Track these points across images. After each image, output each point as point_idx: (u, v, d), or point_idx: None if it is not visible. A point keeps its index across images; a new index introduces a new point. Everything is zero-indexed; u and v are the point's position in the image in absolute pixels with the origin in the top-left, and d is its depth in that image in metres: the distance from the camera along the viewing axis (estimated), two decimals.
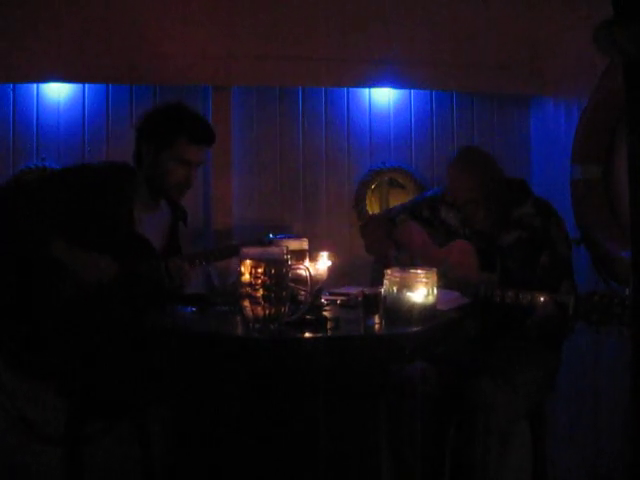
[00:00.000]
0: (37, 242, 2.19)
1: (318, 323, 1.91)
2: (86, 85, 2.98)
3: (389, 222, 2.71)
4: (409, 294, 1.96)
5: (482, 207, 2.48)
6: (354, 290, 2.26)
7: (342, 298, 2.25)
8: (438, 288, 2.03)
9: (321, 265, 2.33)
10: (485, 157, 2.55)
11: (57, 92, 2.97)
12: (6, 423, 2.57)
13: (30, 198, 2.24)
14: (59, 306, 2.22)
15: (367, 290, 1.99)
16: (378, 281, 2.08)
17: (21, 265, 2.20)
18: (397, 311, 1.96)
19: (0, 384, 2.26)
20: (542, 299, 2.17)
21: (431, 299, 1.98)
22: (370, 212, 3.17)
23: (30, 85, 2.93)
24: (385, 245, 2.66)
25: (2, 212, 2.23)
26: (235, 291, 1.87)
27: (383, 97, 3.21)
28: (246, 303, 1.81)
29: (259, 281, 1.80)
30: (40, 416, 2.45)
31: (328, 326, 1.89)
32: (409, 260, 2.58)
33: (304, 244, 2.35)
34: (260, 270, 1.80)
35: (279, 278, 1.81)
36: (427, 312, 1.97)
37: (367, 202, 3.18)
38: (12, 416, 2.38)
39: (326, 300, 2.22)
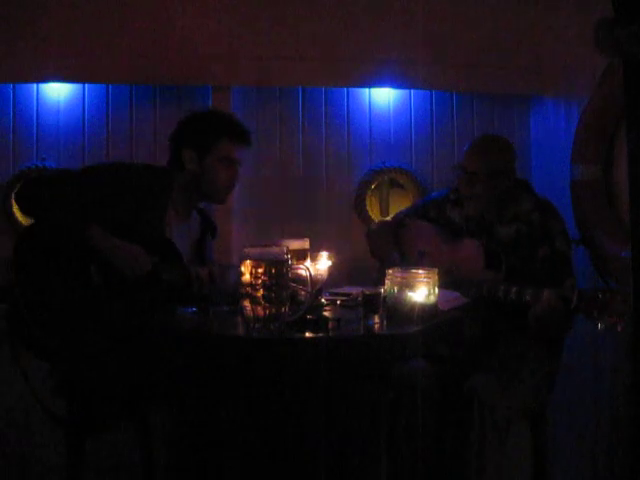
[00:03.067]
0: (71, 228, 2.20)
1: (319, 323, 1.91)
2: (86, 85, 2.98)
3: (396, 226, 2.72)
4: (410, 294, 1.96)
5: (482, 184, 2.47)
6: (354, 290, 2.26)
7: (342, 298, 2.26)
8: (439, 288, 2.03)
9: (321, 265, 2.34)
10: (506, 145, 2.57)
11: (57, 92, 2.97)
12: (6, 420, 2.58)
13: (71, 186, 2.25)
14: (81, 295, 2.21)
15: (367, 290, 2.00)
16: (381, 282, 2.08)
17: (52, 251, 2.21)
18: (398, 311, 1.97)
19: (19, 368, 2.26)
20: (545, 293, 2.17)
21: (432, 299, 1.99)
22: (370, 212, 3.17)
23: (30, 85, 2.93)
24: (390, 251, 2.66)
25: (37, 200, 2.24)
26: (236, 291, 1.87)
27: (383, 97, 3.21)
28: (246, 303, 1.81)
29: (259, 281, 1.80)
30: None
31: (329, 326, 1.89)
32: (416, 259, 2.58)
33: (305, 244, 2.35)
34: (260, 270, 1.80)
35: (279, 278, 1.81)
36: (428, 312, 1.97)
37: (367, 202, 3.18)
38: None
39: (326, 300, 2.22)
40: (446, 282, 2.25)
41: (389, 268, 2.08)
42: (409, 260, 2.59)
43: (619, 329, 2.00)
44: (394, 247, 2.67)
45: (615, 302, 2.01)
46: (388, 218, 2.91)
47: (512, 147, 2.57)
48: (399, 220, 2.75)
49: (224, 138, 2.44)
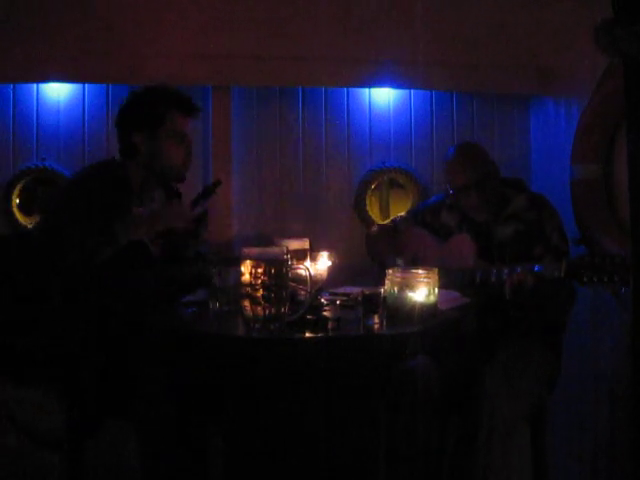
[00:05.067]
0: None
1: (319, 323, 1.91)
2: (86, 85, 2.98)
3: (392, 230, 2.73)
4: (410, 294, 1.96)
5: (476, 193, 2.51)
6: (354, 290, 2.26)
7: (342, 298, 2.25)
8: (439, 288, 2.03)
9: (321, 265, 2.34)
10: (480, 149, 2.63)
11: (57, 92, 2.97)
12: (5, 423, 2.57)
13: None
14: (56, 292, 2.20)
15: (367, 290, 1.99)
16: (381, 282, 2.09)
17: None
18: (398, 311, 1.97)
19: None
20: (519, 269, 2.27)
21: (432, 299, 1.99)
22: (370, 212, 3.18)
23: (30, 85, 2.93)
24: (387, 254, 2.68)
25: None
26: (236, 291, 1.87)
27: (383, 97, 3.21)
28: (246, 303, 1.81)
29: (259, 281, 1.80)
30: (36, 419, 2.44)
31: (329, 326, 1.89)
32: (412, 263, 2.59)
33: (305, 244, 2.35)
34: (260, 270, 1.80)
35: (279, 278, 1.81)
36: (428, 312, 1.97)
37: (367, 202, 3.18)
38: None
39: (326, 300, 2.22)
40: (444, 282, 2.26)
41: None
42: (405, 264, 2.61)
43: (611, 292, 2.07)
44: (391, 251, 2.69)
45: (604, 264, 2.11)
46: (387, 221, 2.93)
47: (484, 151, 2.61)
48: (394, 226, 2.77)
49: (172, 111, 2.35)
